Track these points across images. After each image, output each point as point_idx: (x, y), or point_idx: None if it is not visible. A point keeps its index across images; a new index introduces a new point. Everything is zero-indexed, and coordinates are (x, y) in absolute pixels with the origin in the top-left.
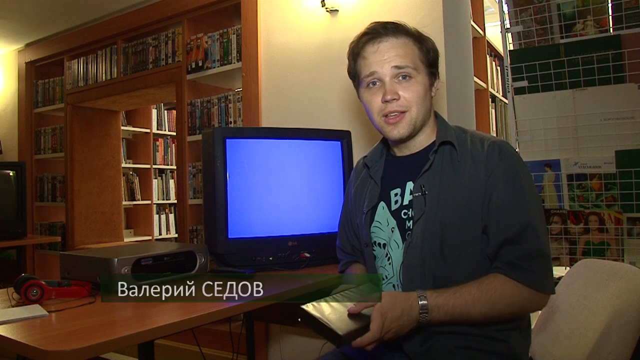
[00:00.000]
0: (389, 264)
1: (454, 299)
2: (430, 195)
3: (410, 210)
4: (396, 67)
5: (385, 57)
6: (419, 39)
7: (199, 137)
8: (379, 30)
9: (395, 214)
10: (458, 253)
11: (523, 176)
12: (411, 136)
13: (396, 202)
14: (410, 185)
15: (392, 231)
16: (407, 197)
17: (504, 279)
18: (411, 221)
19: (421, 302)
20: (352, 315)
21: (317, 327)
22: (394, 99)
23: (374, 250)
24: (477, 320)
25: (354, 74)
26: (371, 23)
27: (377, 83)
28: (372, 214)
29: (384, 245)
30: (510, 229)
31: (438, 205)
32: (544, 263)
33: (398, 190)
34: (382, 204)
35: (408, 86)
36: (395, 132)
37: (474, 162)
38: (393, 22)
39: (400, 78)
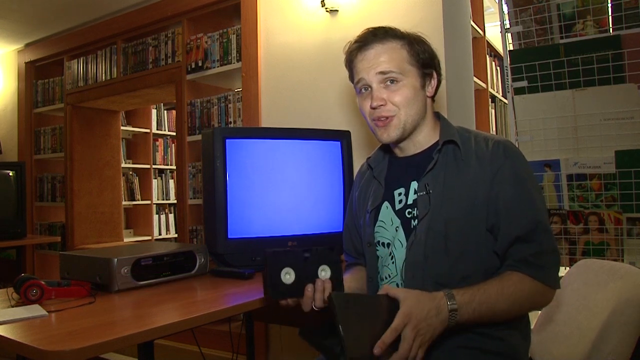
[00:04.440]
0: (392, 263)
1: (479, 295)
2: (434, 194)
3: (415, 209)
4: (381, 72)
5: (371, 64)
6: (409, 42)
7: (198, 137)
8: (368, 37)
9: (400, 213)
10: (460, 250)
11: (528, 175)
12: (403, 138)
13: (400, 201)
14: (414, 184)
15: (397, 230)
16: (412, 197)
17: (521, 276)
18: (416, 220)
19: (450, 302)
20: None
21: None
22: (381, 105)
23: (377, 250)
24: (500, 317)
25: (351, 80)
26: (364, 30)
27: (367, 89)
28: (376, 214)
29: (388, 244)
30: (521, 227)
31: (442, 204)
32: (555, 258)
33: (402, 190)
34: (386, 203)
35: (395, 90)
36: (385, 135)
37: (478, 160)
38: (383, 28)
39: (388, 82)
